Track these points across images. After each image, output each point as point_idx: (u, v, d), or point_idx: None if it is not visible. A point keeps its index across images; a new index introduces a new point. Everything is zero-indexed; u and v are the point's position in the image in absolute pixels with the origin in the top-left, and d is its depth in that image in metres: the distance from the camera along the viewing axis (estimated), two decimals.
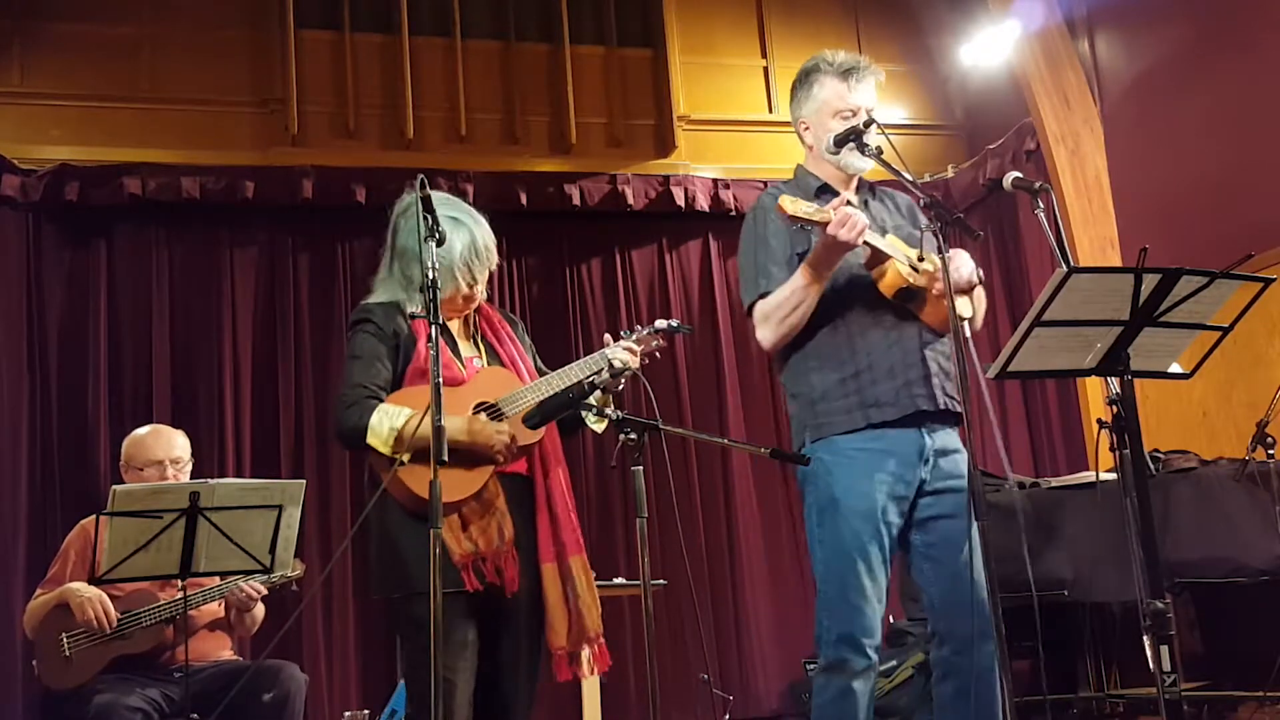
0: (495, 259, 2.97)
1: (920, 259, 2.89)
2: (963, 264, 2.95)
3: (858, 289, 2.94)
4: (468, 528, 2.79)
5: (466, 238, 2.88)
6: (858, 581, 2.83)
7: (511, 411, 2.87)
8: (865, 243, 2.79)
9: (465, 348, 2.99)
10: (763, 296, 2.96)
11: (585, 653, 2.87)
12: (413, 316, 2.85)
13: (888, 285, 2.90)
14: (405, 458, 2.72)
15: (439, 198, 2.94)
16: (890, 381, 2.89)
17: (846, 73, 3.03)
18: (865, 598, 2.83)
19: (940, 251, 2.62)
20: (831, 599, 2.87)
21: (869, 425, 2.88)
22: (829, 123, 3.02)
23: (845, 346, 2.93)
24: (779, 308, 2.92)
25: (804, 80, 3.10)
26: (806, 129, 3.09)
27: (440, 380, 2.45)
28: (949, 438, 2.97)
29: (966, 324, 2.96)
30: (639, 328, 3.04)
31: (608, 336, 3.00)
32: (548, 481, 2.92)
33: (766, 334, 2.96)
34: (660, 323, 3.03)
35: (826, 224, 2.73)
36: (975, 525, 2.56)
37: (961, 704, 2.82)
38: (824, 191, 3.04)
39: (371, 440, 2.76)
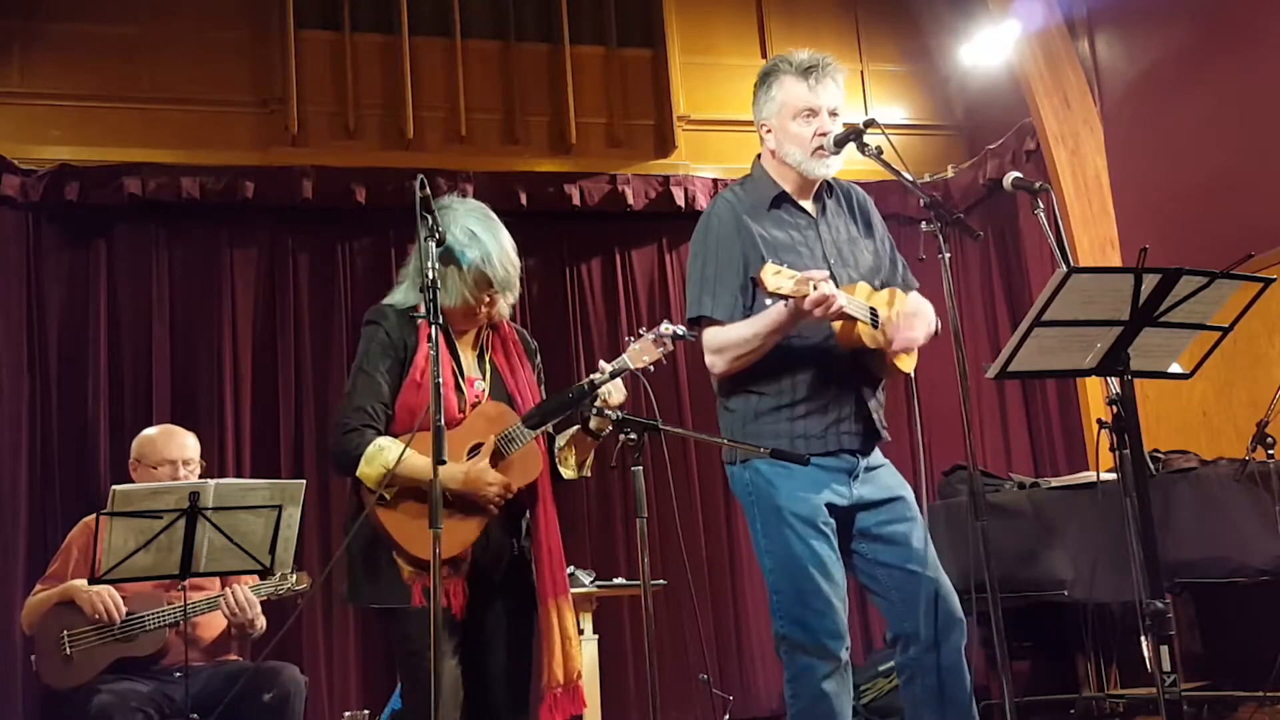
0: (515, 282, 2.88)
1: (874, 317, 2.82)
2: (919, 325, 2.89)
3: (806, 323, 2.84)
4: None
5: (477, 254, 2.80)
6: (814, 586, 2.79)
7: (507, 453, 2.82)
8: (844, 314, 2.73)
9: (470, 366, 2.94)
10: (709, 320, 2.90)
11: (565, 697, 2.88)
12: (415, 317, 2.83)
13: (844, 339, 2.83)
14: (389, 494, 2.76)
15: (469, 205, 2.91)
16: (821, 417, 2.86)
17: (807, 71, 2.93)
18: (825, 600, 2.79)
19: (940, 253, 2.62)
20: (789, 607, 2.82)
21: None
22: (790, 124, 2.93)
23: (785, 375, 2.87)
24: (738, 346, 2.85)
25: (764, 81, 3.00)
26: (768, 131, 3.00)
27: (440, 380, 2.44)
28: (875, 454, 2.95)
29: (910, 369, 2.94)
30: (643, 333, 2.88)
31: (602, 363, 2.88)
32: (546, 516, 2.91)
33: (719, 363, 2.89)
34: (665, 326, 2.85)
35: (803, 297, 2.65)
36: (978, 524, 2.57)
37: (933, 702, 2.80)
38: (783, 201, 2.98)
39: (362, 473, 2.76)
